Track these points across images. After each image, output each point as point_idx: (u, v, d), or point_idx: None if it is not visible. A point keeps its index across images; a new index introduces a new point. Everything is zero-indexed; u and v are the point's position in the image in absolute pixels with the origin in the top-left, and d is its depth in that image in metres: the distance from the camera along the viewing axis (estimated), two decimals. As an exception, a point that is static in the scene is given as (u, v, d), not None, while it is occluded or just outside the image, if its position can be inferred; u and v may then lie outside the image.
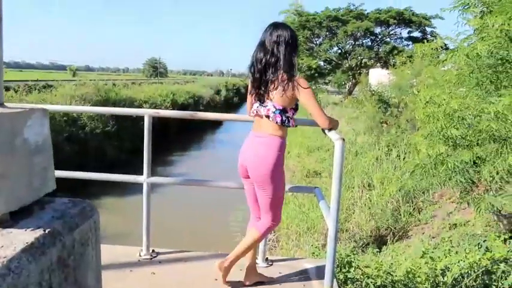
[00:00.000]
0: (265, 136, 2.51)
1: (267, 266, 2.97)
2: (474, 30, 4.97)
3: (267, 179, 2.49)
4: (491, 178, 4.22)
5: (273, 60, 2.48)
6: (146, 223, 3.00)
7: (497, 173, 4.06)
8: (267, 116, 2.51)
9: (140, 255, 2.97)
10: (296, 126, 2.60)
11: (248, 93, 2.72)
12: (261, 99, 2.56)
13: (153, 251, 3.05)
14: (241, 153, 2.64)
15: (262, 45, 2.53)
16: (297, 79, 2.47)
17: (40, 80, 23.42)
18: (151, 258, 2.96)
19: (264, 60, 2.50)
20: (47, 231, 0.69)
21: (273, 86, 2.49)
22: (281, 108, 2.49)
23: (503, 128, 4.01)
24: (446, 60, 5.15)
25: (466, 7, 4.82)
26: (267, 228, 2.60)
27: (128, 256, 2.95)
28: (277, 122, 2.49)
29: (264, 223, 2.60)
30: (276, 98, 2.48)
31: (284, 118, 2.49)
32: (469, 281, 3.63)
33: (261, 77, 2.52)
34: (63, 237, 0.71)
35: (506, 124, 3.98)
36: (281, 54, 2.47)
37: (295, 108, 2.56)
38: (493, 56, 4.36)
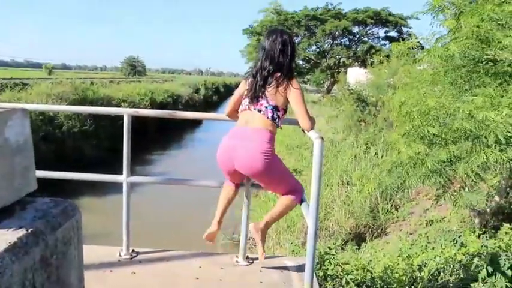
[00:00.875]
0: (255, 129, 2.53)
1: (247, 264, 2.98)
2: (448, 31, 5.08)
3: (263, 172, 2.51)
4: (465, 175, 4.32)
5: (277, 68, 2.58)
6: (126, 222, 2.97)
7: (472, 171, 4.15)
8: (259, 111, 2.55)
9: (120, 255, 2.94)
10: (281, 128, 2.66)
11: (236, 93, 2.76)
12: (254, 99, 2.59)
13: (133, 250, 3.02)
14: (223, 148, 2.62)
15: (268, 53, 2.61)
16: (291, 79, 2.57)
17: (14, 78, 22.93)
18: (131, 258, 2.93)
19: (269, 69, 2.58)
20: (29, 231, 0.69)
21: (268, 85, 2.57)
22: (273, 105, 2.55)
23: (475, 127, 4.11)
24: (421, 60, 5.25)
25: (438, 10, 4.92)
26: (295, 198, 2.61)
27: (108, 256, 2.92)
28: (268, 117, 2.53)
29: (292, 195, 2.61)
30: (270, 94, 2.55)
31: (275, 116, 2.55)
32: (445, 276, 3.71)
33: (265, 84, 2.58)
34: (45, 237, 0.71)
35: (479, 123, 4.07)
36: (285, 63, 2.59)
37: (285, 110, 2.62)
38: (466, 57, 4.46)
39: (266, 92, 2.55)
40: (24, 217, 0.74)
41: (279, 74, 2.56)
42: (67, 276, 0.79)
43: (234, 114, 2.78)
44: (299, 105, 2.52)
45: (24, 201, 0.80)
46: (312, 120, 2.53)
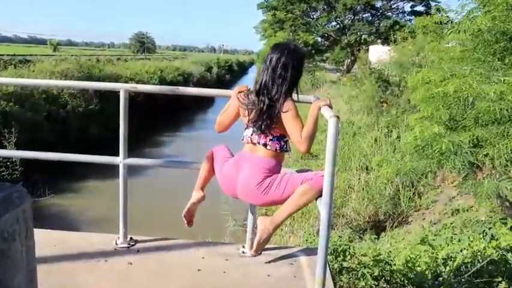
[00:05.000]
0: (259, 158, 2.44)
1: (255, 255, 2.87)
2: (479, 3, 4.81)
3: (268, 200, 2.44)
4: (491, 161, 4.15)
5: (273, 101, 2.42)
6: (123, 208, 2.88)
7: (499, 157, 3.97)
8: (265, 144, 2.44)
9: (117, 244, 2.86)
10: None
11: (229, 112, 2.62)
12: (257, 133, 2.46)
13: (131, 238, 2.93)
14: (226, 175, 2.54)
15: (264, 83, 2.44)
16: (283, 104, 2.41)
17: (17, 55, 23.09)
18: (128, 247, 2.85)
19: (265, 102, 2.42)
20: None
21: (271, 121, 2.42)
22: (279, 134, 2.43)
23: (505, 110, 3.91)
24: (448, 35, 5.02)
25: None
26: (313, 185, 2.36)
27: (103, 244, 2.84)
28: (276, 150, 2.43)
29: (309, 183, 2.39)
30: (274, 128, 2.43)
31: (282, 143, 2.45)
32: (472, 271, 3.56)
33: (268, 118, 2.42)
34: (-29, 232, 0.59)
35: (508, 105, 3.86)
36: (281, 95, 2.41)
37: None
38: (499, 31, 4.23)
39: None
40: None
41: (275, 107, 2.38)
42: (9, 279, 0.67)
43: (224, 130, 2.68)
44: (289, 127, 2.35)
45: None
46: (308, 140, 2.31)
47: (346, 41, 36.61)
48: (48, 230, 2.93)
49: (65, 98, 15.11)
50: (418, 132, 4.48)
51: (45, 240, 2.63)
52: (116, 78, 19.76)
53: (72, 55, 22.18)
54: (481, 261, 3.60)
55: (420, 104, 4.79)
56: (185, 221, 2.69)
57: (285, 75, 2.40)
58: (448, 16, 6.15)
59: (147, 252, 2.79)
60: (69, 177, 11.26)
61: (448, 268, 3.65)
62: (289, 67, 2.41)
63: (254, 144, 2.47)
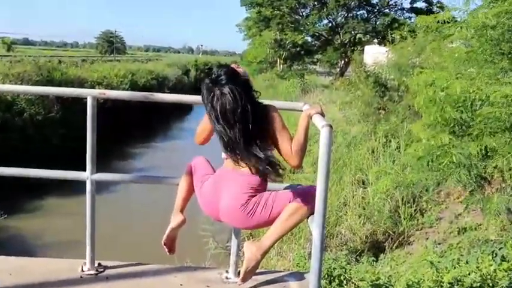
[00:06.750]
0: (243, 176, 2.40)
1: (240, 284, 2.86)
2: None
3: (254, 223, 2.44)
4: (500, 173, 4.21)
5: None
6: (90, 230, 2.86)
7: (509, 169, 4.03)
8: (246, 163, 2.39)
9: (83, 270, 2.83)
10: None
11: (205, 128, 2.57)
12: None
13: (99, 264, 2.91)
14: (206, 196, 2.52)
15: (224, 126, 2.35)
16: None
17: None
18: (96, 274, 2.82)
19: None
20: None
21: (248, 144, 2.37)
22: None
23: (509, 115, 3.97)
24: (451, 34, 5.10)
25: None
26: (305, 203, 2.36)
27: (68, 271, 2.81)
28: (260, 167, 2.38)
29: (301, 202, 2.38)
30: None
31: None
32: (481, 297, 3.62)
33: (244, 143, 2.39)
34: None
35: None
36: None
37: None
38: (506, 28, 4.32)
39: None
40: None
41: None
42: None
43: (203, 143, 2.65)
44: (276, 140, 2.35)
45: None
46: (300, 154, 2.33)
47: (339, 41, 36.96)
48: (3, 256, 2.89)
49: (21, 104, 14.99)
50: (425, 140, 4.53)
51: (0, 268, 2.60)
52: (81, 83, 19.69)
53: (29, 56, 22.10)
54: (491, 285, 3.65)
55: (423, 110, 4.86)
56: (166, 249, 2.67)
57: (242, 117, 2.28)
58: (452, 15, 6.25)
59: (117, 280, 2.77)
60: (28, 194, 11.12)
61: (454, 293, 3.69)
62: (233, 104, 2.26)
63: (236, 163, 2.41)
